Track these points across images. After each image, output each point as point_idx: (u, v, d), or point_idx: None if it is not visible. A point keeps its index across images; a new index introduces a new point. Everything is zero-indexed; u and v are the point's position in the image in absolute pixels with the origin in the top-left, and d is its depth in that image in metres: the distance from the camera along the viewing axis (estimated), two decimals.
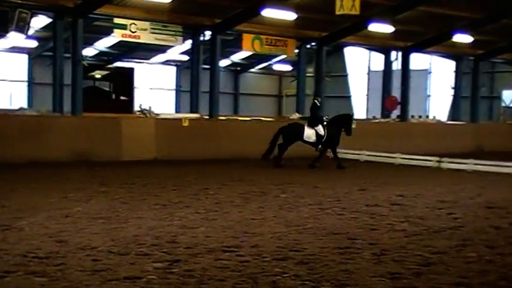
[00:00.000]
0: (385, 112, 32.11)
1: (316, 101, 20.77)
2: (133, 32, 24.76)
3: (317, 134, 19.98)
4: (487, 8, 27.20)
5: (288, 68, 44.93)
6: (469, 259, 7.63)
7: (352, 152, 24.33)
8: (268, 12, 24.10)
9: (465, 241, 8.72)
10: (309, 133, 20.06)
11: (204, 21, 26.06)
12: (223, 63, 41.84)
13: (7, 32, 24.92)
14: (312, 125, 20.11)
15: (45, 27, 31.49)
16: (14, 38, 28.16)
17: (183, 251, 7.68)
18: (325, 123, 20.26)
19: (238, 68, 47.56)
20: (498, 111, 40.07)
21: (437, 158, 21.80)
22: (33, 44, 36.80)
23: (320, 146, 20.22)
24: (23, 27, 24.09)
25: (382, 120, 31.15)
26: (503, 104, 39.71)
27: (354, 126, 20.91)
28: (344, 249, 8.01)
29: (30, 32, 27.02)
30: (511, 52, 33.31)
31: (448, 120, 35.87)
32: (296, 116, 27.78)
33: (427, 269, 7.08)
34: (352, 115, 21.68)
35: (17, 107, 30.26)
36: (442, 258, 7.63)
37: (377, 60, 38.11)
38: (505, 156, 22.87)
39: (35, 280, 6.34)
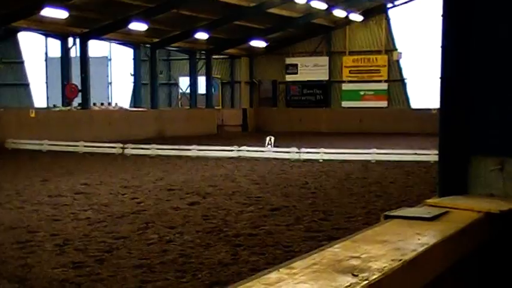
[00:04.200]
0: (66, 100, 31.42)
1: None
2: None
3: None
4: None
5: None
6: (151, 241, 7.89)
7: (32, 142, 23.42)
8: None
9: (147, 224, 8.99)
10: None
11: None
12: None
13: None
14: None
15: None
16: None
17: None
18: None
19: None
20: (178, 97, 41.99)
21: (120, 145, 22.09)
22: None
23: None
24: None
25: (64, 108, 30.46)
26: (180, 91, 41.74)
27: None
28: (24, 244, 7.69)
29: None
30: (183, 41, 35.07)
31: (130, 106, 36.50)
32: None
33: (110, 255, 7.14)
34: None
35: None
36: (125, 243, 7.76)
37: (55, 47, 36.98)
38: (184, 140, 24.17)
39: None
